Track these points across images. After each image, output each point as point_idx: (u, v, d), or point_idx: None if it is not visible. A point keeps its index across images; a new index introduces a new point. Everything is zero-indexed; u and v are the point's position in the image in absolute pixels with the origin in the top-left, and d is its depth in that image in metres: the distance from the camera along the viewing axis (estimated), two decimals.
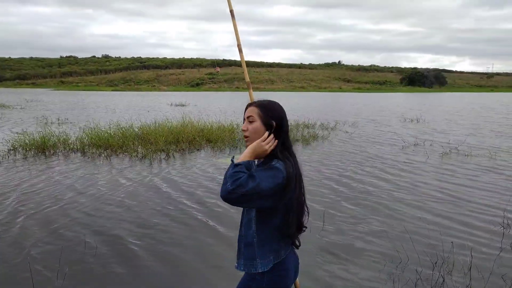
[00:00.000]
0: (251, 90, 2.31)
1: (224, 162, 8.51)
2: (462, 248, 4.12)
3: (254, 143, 1.80)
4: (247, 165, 1.74)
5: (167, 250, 4.11)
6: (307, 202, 1.99)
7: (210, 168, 7.90)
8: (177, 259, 3.93)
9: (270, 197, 1.69)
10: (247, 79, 2.35)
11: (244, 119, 1.91)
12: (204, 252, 4.11)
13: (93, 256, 3.94)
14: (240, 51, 2.39)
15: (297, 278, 2.12)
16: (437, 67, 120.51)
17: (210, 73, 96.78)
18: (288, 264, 1.91)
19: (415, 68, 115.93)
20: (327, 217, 5.03)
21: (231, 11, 2.40)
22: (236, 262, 1.90)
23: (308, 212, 1.97)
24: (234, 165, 1.70)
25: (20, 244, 4.20)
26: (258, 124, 1.84)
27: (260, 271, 1.82)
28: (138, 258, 3.92)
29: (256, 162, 1.94)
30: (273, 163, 1.76)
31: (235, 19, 2.39)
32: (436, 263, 3.74)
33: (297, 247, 1.98)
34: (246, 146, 1.90)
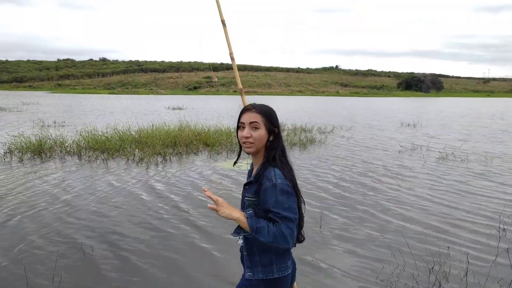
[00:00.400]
0: (244, 96, 2.34)
1: (221, 166, 8.50)
2: (458, 254, 4.13)
3: (229, 213, 1.78)
4: (255, 218, 1.77)
5: (152, 261, 4.09)
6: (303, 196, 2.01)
7: (206, 173, 7.89)
8: (161, 269, 3.91)
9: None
10: (240, 85, 2.38)
11: (241, 124, 1.86)
12: (190, 263, 4.09)
13: (88, 262, 3.92)
14: (232, 59, 2.43)
15: (295, 282, 2.12)
16: (434, 72, 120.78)
17: (208, 77, 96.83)
18: (286, 271, 1.91)
19: (412, 73, 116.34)
20: (323, 223, 5.03)
21: (223, 21, 2.44)
22: (249, 271, 1.87)
23: (304, 203, 1.97)
24: (256, 231, 1.72)
25: (14, 247, 4.17)
26: (263, 131, 1.83)
27: (276, 276, 1.83)
28: (125, 267, 3.91)
29: (254, 171, 1.93)
30: (274, 179, 1.74)
31: (226, 28, 2.43)
32: (433, 268, 3.75)
33: (301, 241, 2.01)
34: (248, 153, 1.89)
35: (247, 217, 1.78)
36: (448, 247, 4.25)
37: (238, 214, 1.78)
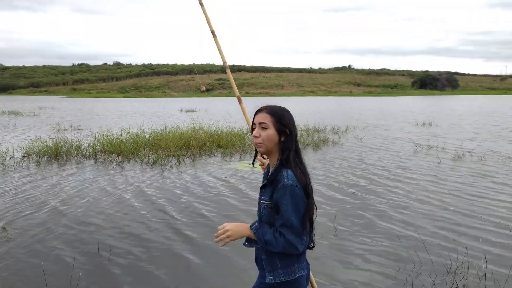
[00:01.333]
0: (243, 105, 2.36)
1: (235, 167, 8.53)
2: (476, 254, 4.05)
3: (239, 235, 1.83)
4: (261, 229, 1.80)
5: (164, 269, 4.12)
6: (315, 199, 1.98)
7: (220, 174, 7.91)
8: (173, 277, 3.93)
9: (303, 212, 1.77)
10: (237, 93, 2.41)
11: (253, 124, 1.90)
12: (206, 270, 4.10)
13: (105, 266, 3.97)
14: (227, 68, 2.47)
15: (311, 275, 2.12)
16: (449, 70, 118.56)
17: (220, 79, 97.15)
18: (305, 269, 1.92)
19: (426, 71, 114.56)
20: (338, 223, 5.00)
21: (212, 32, 2.48)
22: (270, 275, 1.87)
23: (316, 210, 1.94)
24: (266, 244, 1.77)
25: (31, 252, 4.26)
26: (271, 131, 1.83)
27: (298, 275, 1.85)
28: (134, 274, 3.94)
29: (269, 170, 1.96)
30: (285, 180, 1.75)
31: (217, 39, 2.46)
32: (450, 269, 3.69)
33: (311, 248, 1.98)
34: (260, 153, 1.93)
35: (253, 232, 1.82)
36: (466, 247, 4.17)
37: (247, 232, 1.84)
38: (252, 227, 1.84)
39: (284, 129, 1.85)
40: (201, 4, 2.55)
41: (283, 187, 1.74)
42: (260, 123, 1.85)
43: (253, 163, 2.20)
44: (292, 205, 1.72)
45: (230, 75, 2.47)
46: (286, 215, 1.72)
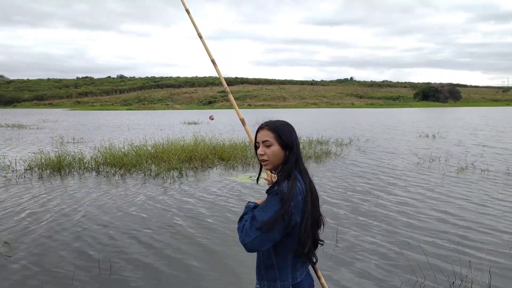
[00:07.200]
0: (247, 127, 2.38)
1: (237, 180, 8.52)
2: (480, 268, 4.00)
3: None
4: (252, 209, 1.81)
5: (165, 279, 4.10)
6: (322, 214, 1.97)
7: (222, 187, 7.90)
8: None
9: (275, 229, 1.69)
10: (241, 116, 2.43)
11: (257, 142, 1.89)
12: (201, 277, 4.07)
13: (104, 280, 3.95)
14: (229, 93, 2.53)
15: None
16: (450, 82, 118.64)
17: (223, 91, 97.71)
18: (303, 287, 1.90)
19: (428, 83, 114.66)
20: (339, 236, 4.97)
21: (213, 61, 2.55)
22: (257, 283, 1.89)
23: (323, 224, 1.94)
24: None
25: (32, 265, 4.24)
26: (276, 147, 1.83)
27: None
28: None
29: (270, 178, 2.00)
30: (275, 188, 1.76)
31: (217, 66, 2.54)
32: (454, 283, 3.65)
33: (314, 263, 1.95)
34: (266, 170, 1.93)
35: (246, 206, 1.87)
36: (469, 260, 4.13)
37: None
38: (249, 203, 1.88)
39: (286, 143, 1.84)
40: (200, 37, 2.64)
41: (272, 191, 1.76)
42: (263, 141, 1.85)
43: (257, 180, 2.18)
44: (266, 204, 1.73)
45: (233, 100, 2.51)
46: (259, 207, 1.75)
